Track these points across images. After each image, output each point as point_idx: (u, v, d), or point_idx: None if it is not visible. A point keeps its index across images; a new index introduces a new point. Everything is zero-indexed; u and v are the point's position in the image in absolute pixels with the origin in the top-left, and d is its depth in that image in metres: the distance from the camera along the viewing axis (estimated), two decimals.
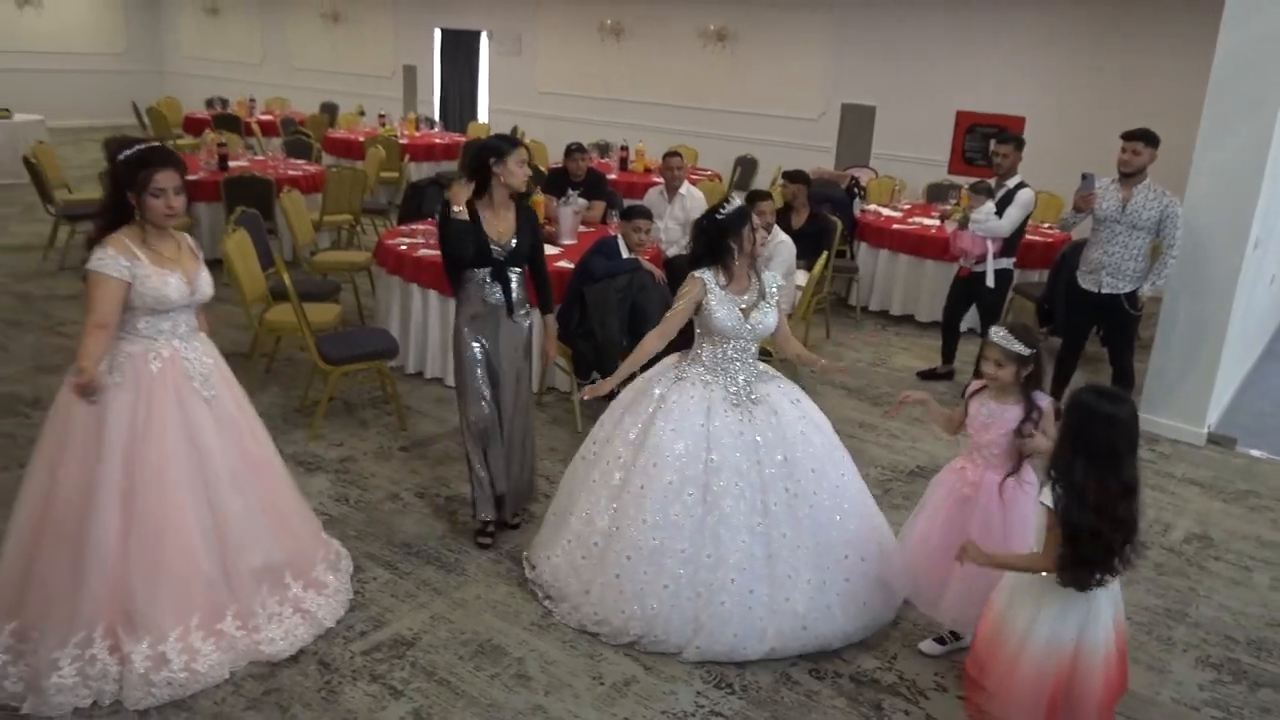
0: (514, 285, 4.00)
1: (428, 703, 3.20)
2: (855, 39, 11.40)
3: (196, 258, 3.27)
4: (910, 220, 8.27)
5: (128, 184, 3.02)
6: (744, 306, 3.53)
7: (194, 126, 13.18)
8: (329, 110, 14.66)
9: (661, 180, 7.37)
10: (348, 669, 3.33)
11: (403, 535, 4.23)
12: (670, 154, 7.25)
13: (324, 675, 3.29)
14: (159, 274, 3.06)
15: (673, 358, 3.74)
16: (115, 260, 3.00)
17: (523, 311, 4.09)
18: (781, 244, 6.08)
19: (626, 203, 7.14)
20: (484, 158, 3.87)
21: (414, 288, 5.96)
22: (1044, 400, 3.26)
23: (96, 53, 18.37)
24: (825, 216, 7.24)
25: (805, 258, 6.41)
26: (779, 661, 3.49)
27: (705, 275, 3.53)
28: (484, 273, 3.94)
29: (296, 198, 7.30)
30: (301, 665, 3.32)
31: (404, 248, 6.11)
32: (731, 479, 3.41)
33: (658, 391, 3.61)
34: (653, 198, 7.22)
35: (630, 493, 3.49)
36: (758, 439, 3.46)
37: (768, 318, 3.58)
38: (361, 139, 11.40)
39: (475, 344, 4.00)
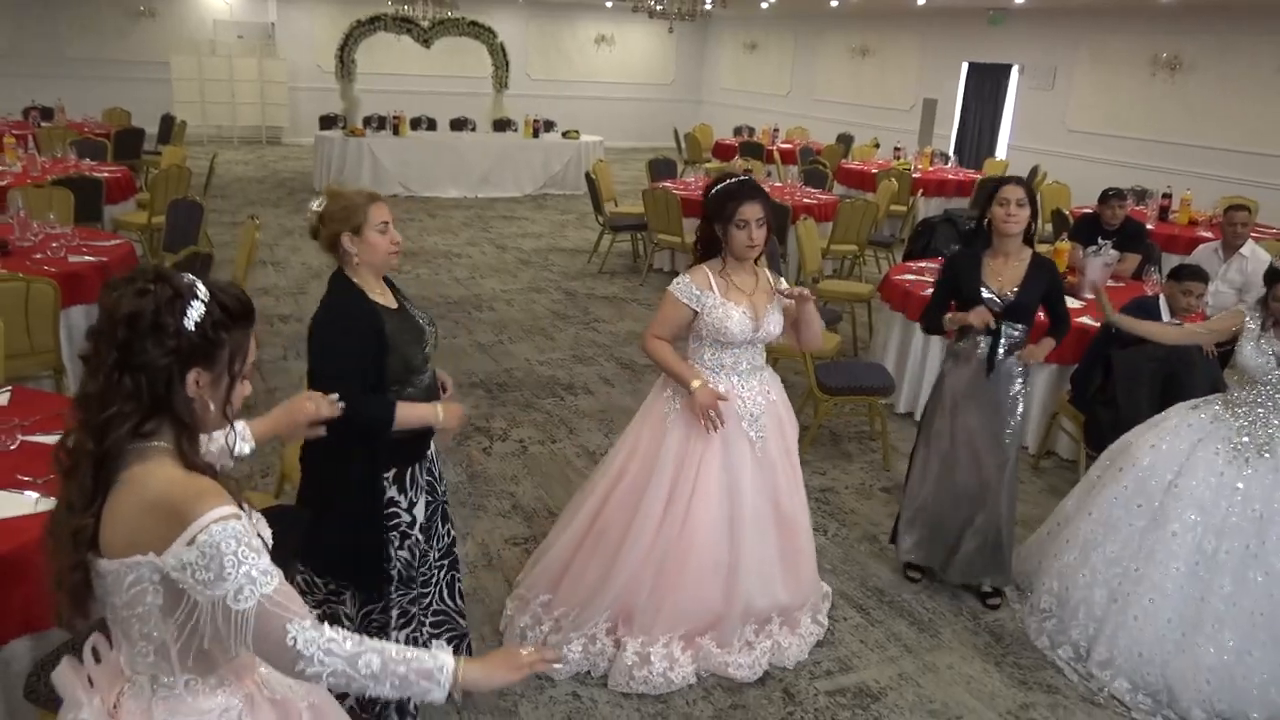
0: (1003, 343, 3.68)
1: None
2: None
3: (771, 296, 3.26)
4: None
5: (716, 216, 3.14)
6: None
7: (722, 152, 14.29)
8: (844, 141, 15.00)
9: (1214, 236, 6.40)
10: (810, 705, 3.30)
11: (876, 580, 4.12)
12: (1236, 207, 6.24)
13: (787, 705, 3.29)
14: (724, 306, 3.14)
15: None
16: (689, 288, 3.18)
17: (1013, 374, 3.72)
18: None
19: (1166, 257, 6.30)
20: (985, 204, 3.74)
21: (915, 327, 5.82)
22: None
23: (650, 83, 20.83)
24: None
25: None
26: None
27: (1250, 313, 3.43)
28: None
29: (810, 225, 7.52)
30: (767, 689, 3.36)
31: (910, 284, 6.00)
32: (1189, 509, 3.35)
33: (1167, 414, 3.68)
34: (1205, 255, 6.28)
35: (1096, 490, 3.68)
36: (1239, 485, 3.31)
37: None
38: (874, 171, 11.48)
39: (947, 385, 3.86)
